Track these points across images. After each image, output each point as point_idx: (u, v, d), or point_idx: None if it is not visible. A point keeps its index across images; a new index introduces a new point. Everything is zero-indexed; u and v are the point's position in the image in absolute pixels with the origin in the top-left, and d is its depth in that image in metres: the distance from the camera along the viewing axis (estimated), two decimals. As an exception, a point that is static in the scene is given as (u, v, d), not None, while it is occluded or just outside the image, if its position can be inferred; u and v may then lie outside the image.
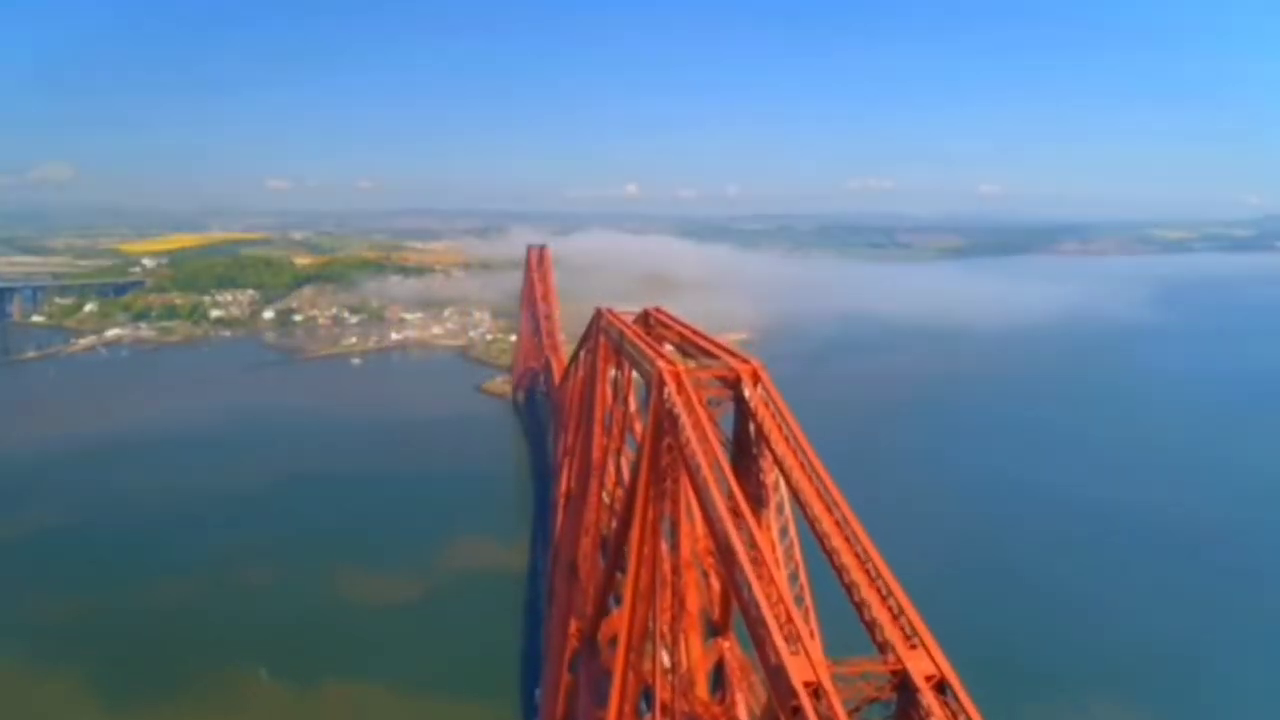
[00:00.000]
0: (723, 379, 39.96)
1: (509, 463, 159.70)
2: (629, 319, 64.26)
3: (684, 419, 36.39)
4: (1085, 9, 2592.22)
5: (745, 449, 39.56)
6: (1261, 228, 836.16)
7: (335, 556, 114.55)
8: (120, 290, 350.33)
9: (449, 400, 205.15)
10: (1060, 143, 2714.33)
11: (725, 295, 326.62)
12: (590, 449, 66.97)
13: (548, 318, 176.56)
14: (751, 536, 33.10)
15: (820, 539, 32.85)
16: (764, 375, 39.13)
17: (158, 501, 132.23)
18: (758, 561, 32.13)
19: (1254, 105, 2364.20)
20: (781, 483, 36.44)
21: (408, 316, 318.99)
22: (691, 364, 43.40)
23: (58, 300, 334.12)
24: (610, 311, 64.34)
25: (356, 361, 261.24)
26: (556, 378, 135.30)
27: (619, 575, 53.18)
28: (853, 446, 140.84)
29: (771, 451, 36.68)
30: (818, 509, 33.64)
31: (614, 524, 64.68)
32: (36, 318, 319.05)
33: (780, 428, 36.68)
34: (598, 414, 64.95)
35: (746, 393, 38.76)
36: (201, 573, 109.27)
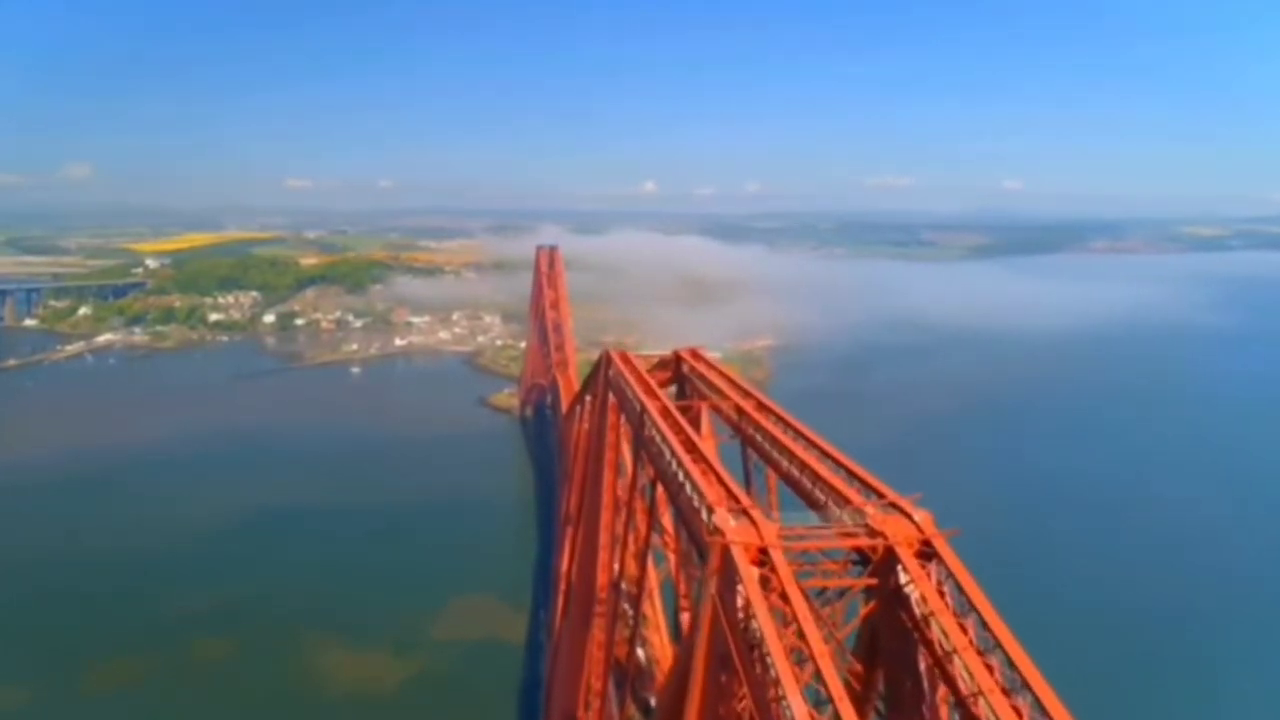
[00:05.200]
0: (858, 553, 20.21)
1: (513, 494, 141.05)
2: (652, 361, 44.65)
3: (773, 651, 16.96)
4: (1100, 6, 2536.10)
5: (896, 682, 20.03)
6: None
7: (307, 622, 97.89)
8: (120, 292, 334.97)
9: (451, 416, 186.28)
10: (1080, 139, 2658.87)
11: (760, 298, 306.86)
12: (596, 535, 47.47)
13: (557, 329, 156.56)
14: None
15: None
16: (942, 545, 19.41)
17: (105, 548, 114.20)
18: None
19: (1273, 100, 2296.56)
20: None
21: (414, 320, 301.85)
22: (805, 524, 22.01)
23: (53, 303, 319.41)
24: (622, 358, 44.10)
25: (356, 370, 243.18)
26: (564, 403, 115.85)
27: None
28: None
29: (958, 697, 17.38)
30: None
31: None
32: (29, 321, 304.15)
33: (976, 651, 17.29)
34: (605, 499, 45.14)
35: (905, 583, 19.17)
36: (148, 646, 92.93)
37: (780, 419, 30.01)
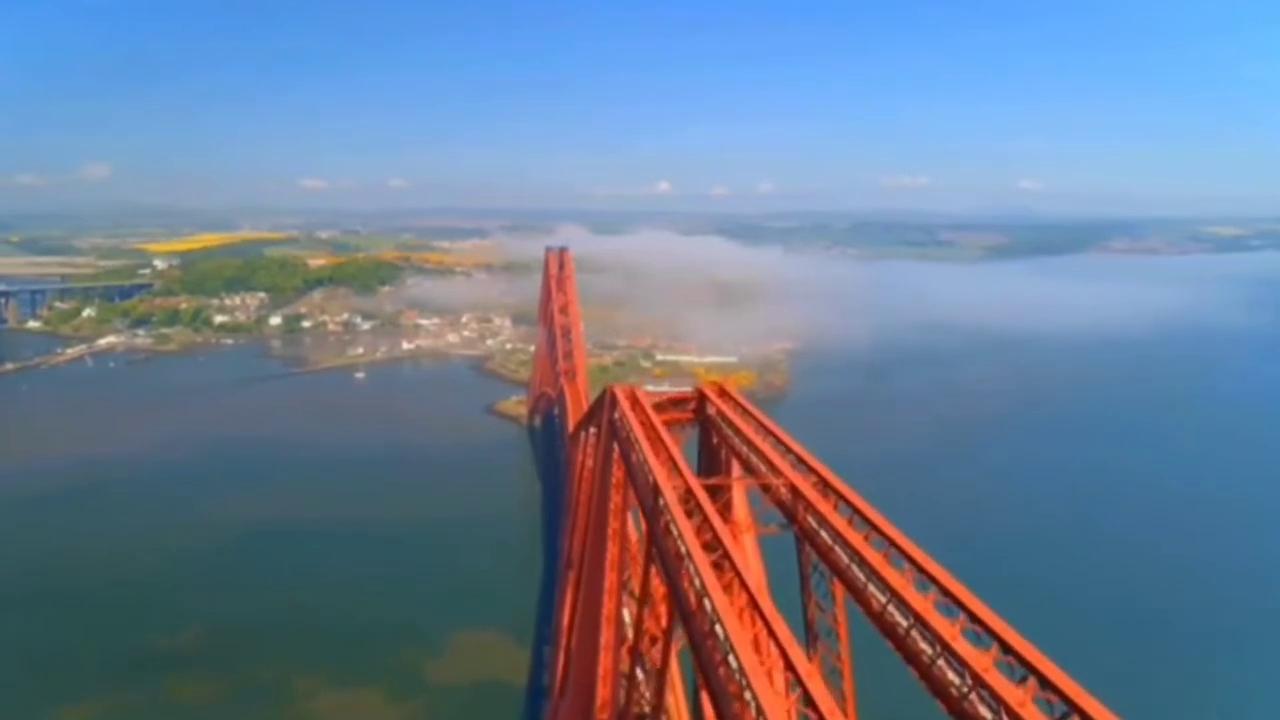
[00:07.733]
0: None
1: (518, 511, 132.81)
2: (662, 397, 35.99)
3: None
4: (1115, 5, 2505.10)
5: None
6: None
7: (294, 659, 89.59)
8: (126, 293, 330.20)
9: (455, 424, 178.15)
10: (1094, 138, 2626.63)
11: (777, 300, 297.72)
12: (599, 603, 39.06)
13: (566, 335, 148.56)
14: None
15: None
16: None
17: (75, 575, 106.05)
18: None
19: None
20: None
21: (423, 323, 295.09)
22: None
23: (58, 304, 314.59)
24: (630, 399, 34.87)
25: (361, 375, 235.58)
26: (570, 419, 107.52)
27: None
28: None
29: None
30: None
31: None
32: (32, 323, 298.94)
33: None
34: (609, 583, 36.22)
35: None
36: (116, 686, 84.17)
37: (857, 510, 20.61)
